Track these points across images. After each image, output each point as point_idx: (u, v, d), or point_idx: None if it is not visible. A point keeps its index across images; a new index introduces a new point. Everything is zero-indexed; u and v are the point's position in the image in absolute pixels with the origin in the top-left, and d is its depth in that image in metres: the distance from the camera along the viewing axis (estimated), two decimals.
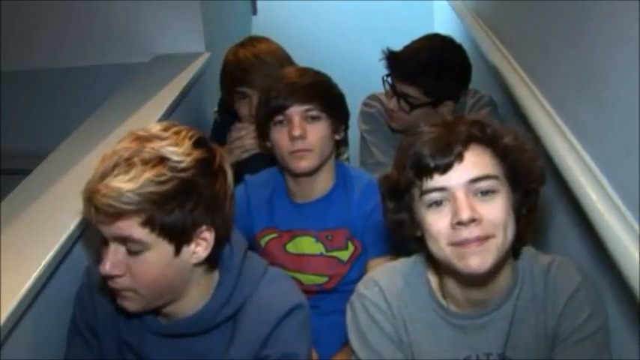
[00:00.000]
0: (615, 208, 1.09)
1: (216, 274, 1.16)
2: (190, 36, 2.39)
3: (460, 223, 1.01)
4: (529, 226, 1.12)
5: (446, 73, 1.80)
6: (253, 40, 1.90)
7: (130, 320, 1.16)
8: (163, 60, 2.36)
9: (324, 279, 1.59)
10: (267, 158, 1.72)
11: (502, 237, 1.03)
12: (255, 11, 3.70)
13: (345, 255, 1.58)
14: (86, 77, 2.42)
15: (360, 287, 1.20)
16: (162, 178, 1.00)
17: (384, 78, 1.92)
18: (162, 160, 1.02)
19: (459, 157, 1.03)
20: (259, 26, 3.47)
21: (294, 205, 1.61)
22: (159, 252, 1.03)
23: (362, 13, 3.84)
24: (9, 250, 1.18)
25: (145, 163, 1.01)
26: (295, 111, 1.50)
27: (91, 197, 1.00)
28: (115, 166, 1.01)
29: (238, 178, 1.56)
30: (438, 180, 1.04)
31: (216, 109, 2.10)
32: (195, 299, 1.13)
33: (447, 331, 1.15)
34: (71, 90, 2.45)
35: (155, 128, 1.08)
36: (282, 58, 1.85)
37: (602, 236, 1.09)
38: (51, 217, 1.30)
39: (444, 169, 1.03)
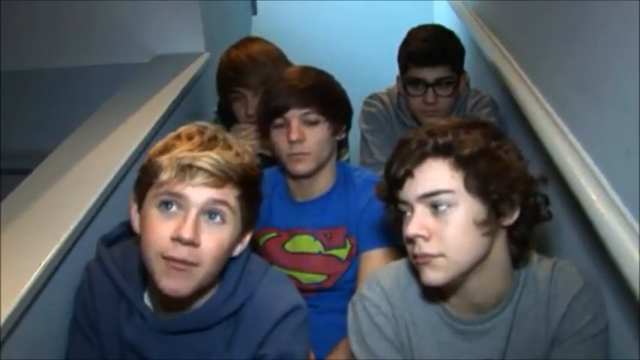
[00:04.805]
0: (615, 208, 1.09)
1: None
2: (190, 36, 2.38)
3: (408, 239, 1.05)
4: (527, 233, 1.10)
5: (458, 40, 1.90)
6: (246, 41, 1.91)
7: (133, 319, 1.17)
8: (163, 60, 2.35)
9: (323, 277, 1.59)
10: (267, 158, 1.72)
11: (454, 255, 1.03)
12: (255, 11, 3.70)
13: (343, 253, 1.57)
14: (86, 77, 2.41)
15: (363, 288, 1.19)
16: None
17: (404, 80, 1.90)
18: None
19: (409, 174, 1.06)
20: (259, 26, 3.47)
21: (293, 204, 1.61)
22: (232, 230, 1.10)
23: (362, 13, 3.84)
24: (9, 250, 1.18)
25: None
26: (294, 114, 1.50)
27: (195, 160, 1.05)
28: (212, 140, 1.09)
29: None
30: (400, 193, 1.08)
31: (215, 109, 2.09)
32: (211, 292, 1.16)
33: (448, 335, 1.15)
34: (71, 90, 2.45)
35: None
36: (276, 58, 1.85)
37: (602, 236, 1.09)
38: (51, 217, 1.30)
39: (399, 184, 1.07)
